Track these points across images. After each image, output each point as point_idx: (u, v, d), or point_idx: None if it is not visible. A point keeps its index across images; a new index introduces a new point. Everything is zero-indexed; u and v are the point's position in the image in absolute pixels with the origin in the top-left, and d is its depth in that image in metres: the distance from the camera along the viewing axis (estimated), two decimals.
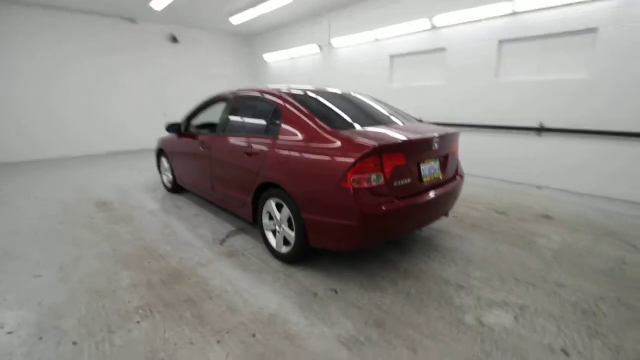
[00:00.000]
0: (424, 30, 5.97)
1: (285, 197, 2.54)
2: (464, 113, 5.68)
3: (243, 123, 3.29)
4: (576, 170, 4.65)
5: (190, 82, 9.52)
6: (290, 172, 2.47)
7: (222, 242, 3.17)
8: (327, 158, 2.27)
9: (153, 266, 2.70)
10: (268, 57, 9.76)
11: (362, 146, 2.15)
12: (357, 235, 2.19)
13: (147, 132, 8.54)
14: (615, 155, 4.28)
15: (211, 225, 3.58)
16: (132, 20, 8.39)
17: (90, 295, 2.30)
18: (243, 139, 3.04)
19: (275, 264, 2.73)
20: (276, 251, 2.77)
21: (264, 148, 2.74)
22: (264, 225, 2.88)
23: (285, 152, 2.53)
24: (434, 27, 5.82)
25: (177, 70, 9.30)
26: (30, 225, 3.56)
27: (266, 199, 2.78)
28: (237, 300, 2.23)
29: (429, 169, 2.56)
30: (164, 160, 4.81)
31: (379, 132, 2.43)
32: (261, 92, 3.09)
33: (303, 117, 2.58)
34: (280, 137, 2.65)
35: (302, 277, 2.53)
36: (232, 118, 3.40)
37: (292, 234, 2.56)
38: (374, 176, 2.17)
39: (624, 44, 4.07)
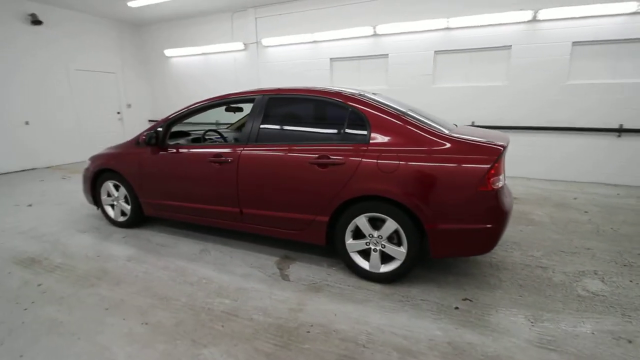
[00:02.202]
0: (366, 37, 6.29)
1: (392, 211, 2.28)
2: None
3: (297, 130, 2.75)
4: None
5: (57, 78, 7.13)
6: (405, 181, 2.22)
7: (283, 276, 2.57)
8: (452, 164, 2.16)
9: (237, 329, 1.96)
10: (171, 52, 8.29)
11: (494, 148, 2.15)
12: (495, 237, 2.18)
13: None
14: (522, 144, 5.61)
15: (241, 259, 2.85)
16: None
17: None
18: (306, 148, 2.53)
19: (377, 287, 2.42)
20: (371, 273, 2.46)
21: (352, 158, 2.36)
22: (347, 246, 2.50)
23: (391, 161, 2.26)
24: (376, 34, 6.21)
25: (36, 63, 6.80)
26: None
27: (353, 216, 2.41)
28: (395, 340, 1.88)
29: None
30: (110, 186, 3.49)
31: (475, 133, 2.46)
32: (322, 93, 2.63)
33: (398, 121, 2.36)
34: (373, 143, 2.35)
35: (419, 293, 2.33)
36: (274, 124, 2.79)
37: (402, 249, 2.32)
38: (501, 177, 2.20)
39: (530, 58, 5.36)
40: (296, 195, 2.58)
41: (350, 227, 2.46)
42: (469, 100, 5.84)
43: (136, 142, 3.33)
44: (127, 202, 3.48)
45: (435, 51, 5.91)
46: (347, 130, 2.48)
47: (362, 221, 2.41)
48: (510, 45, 5.44)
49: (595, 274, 2.60)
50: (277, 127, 2.80)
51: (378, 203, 2.34)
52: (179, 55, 8.34)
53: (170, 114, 3.19)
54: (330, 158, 2.42)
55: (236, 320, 2.05)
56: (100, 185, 3.56)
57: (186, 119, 3.19)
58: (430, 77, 5.99)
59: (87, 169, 3.64)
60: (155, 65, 8.78)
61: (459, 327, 1.99)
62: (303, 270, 2.67)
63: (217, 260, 2.84)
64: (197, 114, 3.17)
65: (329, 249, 2.88)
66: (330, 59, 6.73)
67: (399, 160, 2.25)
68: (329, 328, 1.98)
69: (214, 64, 8.01)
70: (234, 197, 2.81)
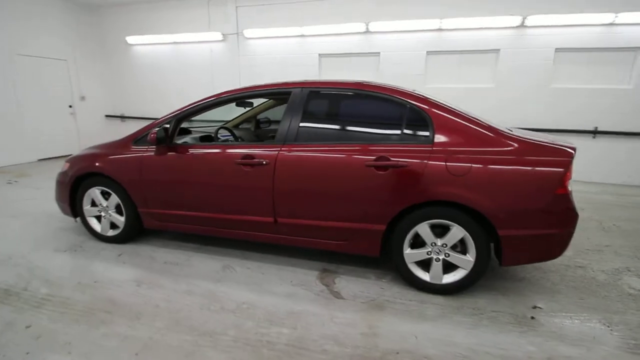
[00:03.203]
0: (358, 33, 6.11)
1: (460, 217, 2.11)
2: None
3: (346, 129, 2.45)
4: None
5: None
6: (478, 185, 2.06)
7: (334, 294, 2.27)
8: (528, 166, 2.04)
9: None
10: (134, 39, 7.37)
11: (566, 150, 2.07)
12: (567, 241, 2.11)
13: None
14: None
15: (276, 275, 2.49)
16: None
17: None
18: (360, 148, 2.25)
19: (440, 299, 2.23)
20: (432, 285, 2.26)
21: (416, 160, 2.14)
22: (405, 256, 2.27)
23: (462, 164, 2.08)
24: (368, 32, 6.06)
25: None
26: None
27: (414, 223, 2.20)
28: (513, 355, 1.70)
29: None
30: (96, 194, 2.88)
31: (529, 134, 2.37)
32: (376, 88, 2.37)
33: (462, 120, 2.19)
34: (438, 144, 2.15)
35: (488, 304, 2.19)
36: (317, 122, 2.47)
37: (469, 257, 2.16)
38: (571, 180, 2.13)
39: (516, 62, 5.59)
40: (347, 202, 2.30)
41: (410, 235, 2.24)
42: (459, 101, 5.92)
43: (134, 140, 2.78)
44: (119, 212, 2.90)
45: (427, 51, 5.92)
46: (407, 130, 2.25)
47: (424, 229, 2.20)
48: (499, 49, 5.62)
49: (629, 270, 2.68)
50: (321, 125, 2.48)
51: (443, 208, 2.15)
52: (143, 43, 7.45)
53: (179, 107, 2.71)
54: (391, 160, 2.17)
55: (308, 355, 1.72)
56: (83, 193, 2.92)
57: (199, 114, 2.73)
58: (422, 77, 5.99)
59: (63, 173, 2.98)
60: (114, 53, 7.75)
61: (548, 339, 1.87)
62: (352, 284, 2.39)
63: (248, 279, 2.44)
64: (212, 109, 2.72)
65: (371, 259, 2.64)
66: (319, 54, 6.45)
67: (471, 163, 2.08)
68: (418, 354, 1.74)
69: (186, 55, 7.28)
70: (268, 204, 2.44)
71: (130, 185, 2.75)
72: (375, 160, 2.20)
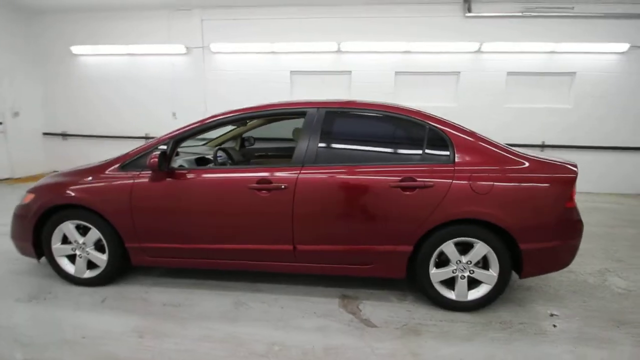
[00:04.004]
0: (330, 52, 6.21)
1: (484, 233, 2.16)
2: None
3: (366, 150, 2.40)
4: None
5: None
6: (500, 202, 2.13)
7: (365, 322, 2.16)
8: (543, 183, 2.18)
9: None
10: (81, 49, 6.64)
11: (570, 168, 2.24)
12: (575, 251, 2.26)
13: None
14: None
15: (296, 308, 2.31)
16: None
17: None
18: (384, 170, 2.21)
19: (467, 317, 2.23)
20: (458, 302, 2.27)
21: (440, 179, 2.16)
22: (431, 276, 2.26)
23: (485, 182, 2.14)
24: (340, 51, 6.19)
25: None
26: None
27: (439, 242, 2.21)
28: None
29: None
30: (70, 229, 2.44)
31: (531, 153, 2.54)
32: (395, 109, 2.38)
33: (479, 141, 2.29)
34: (460, 163, 2.20)
35: (511, 317, 2.24)
36: (335, 143, 2.40)
37: (492, 273, 2.21)
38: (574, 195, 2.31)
39: (474, 84, 6.10)
40: (372, 224, 2.23)
41: (435, 255, 2.24)
42: None
43: (121, 165, 2.43)
44: (99, 249, 2.48)
45: (396, 72, 6.21)
46: (428, 150, 2.28)
47: (449, 248, 2.22)
48: (460, 72, 6.11)
49: (609, 271, 2.97)
50: (340, 146, 2.41)
51: (468, 226, 2.19)
52: (92, 53, 6.74)
53: (177, 128, 2.43)
54: (417, 180, 2.17)
55: None
56: (52, 229, 2.46)
57: (199, 135, 2.49)
58: (392, 96, 6.22)
59: (24, 207, 2.49)
60: (56, 64, 6.87)
61: (577, 345, 1.97)
62: (378, 309, 2.30)
63: (267, 315, 2.22)
64: (214, 130, 2.50)
65: (386, 281, 2.58)
66: (291, 71, 6.41)
67: (492, 181, 2.16)
68: None
69: (144, 68, 6.73)
70: (287, 231, 2.27)
71: (117, 217, 2.37)
72: (400, 180, 2.18)
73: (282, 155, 3.96)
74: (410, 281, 2.39)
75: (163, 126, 7.07)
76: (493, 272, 2.22)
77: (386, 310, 2.30)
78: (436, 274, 2.27)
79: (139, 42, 6.53)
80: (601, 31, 5.71)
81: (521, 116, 6.09)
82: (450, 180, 2.17)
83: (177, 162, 2.61)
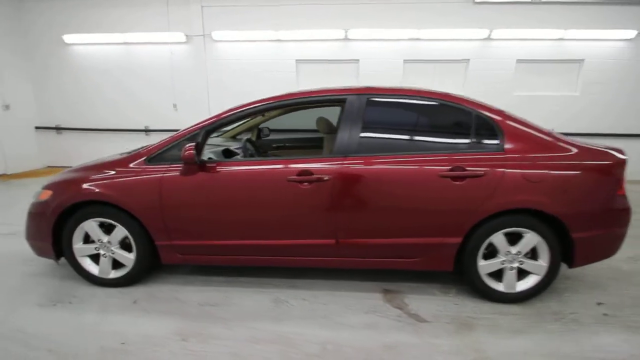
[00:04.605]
0: (337, 40, 6.02)
1: (535, 223, 2.10)
2: None
3: (412, 138, 2.28)
4: None
5: None
6: (553, 191, 2.06)
7: (414, 317, 2.08)
8: (594, 170, 2.11)
9: None
10: (74, 38, 6.28)
11: (619, 155, 2.18)
12: (623, 238, 2.22)
13: None
14: None
15: (341, 304, 2.21)
16: None
17: None
18: (431, 159, 2.11)
19: (517, 309, 2.18)
20: (506, 294, 2.21)
21: (492, 168, 2.07)
22: (479, 269, 2.19)
23: (537, 170, 2.07)
24: (347, 39, 6.01)
25: None
26: None
27: (489, 233, 2.13)
28: None
29: None
30: (94, 227, 2.28)
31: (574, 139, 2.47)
32: (440, 96, 2.27)
33: (528, 128, 2.21)
34: (509, 151, 2.11)
35: (562, 307, 2.20)
36: (378, 132, 2.27)
37: (542, 263, 2.16)
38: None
39: (484, 72, 6.03)
40: (420, 216, 2.14)
41: (484, 246, 2.17)
42: None
43: (148, 158, 2.26)
44: (125, 248, 2.33)
45: (404, 59, 6.08)
46: (476, 138, 2.18)
47: (499, 238, 2.15)
48: (469, 59, 6.02)
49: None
50: (383, 134, 2.29)
51: (519, 216, 2.12)
52: (85, 42, 6.37)
53: (206, 118, 2.27)
54: (467, 170, 2.08)
55: None
56: (73, 227, 2.28)
57: (230, 124, 2.34)
58: (401, 85, 6.13)
59: (41, 204, 2.30)
60: (48, 54, 6.49)
61: (631, 334, 1.93)
62: (424, 304, 2.23)
63: (311, 312, 2.12)
64: (247, 119, 2.36)
65: (425, 273, 2.51)
66: (297, 60, 6.21)
67: (544, 169, 2.09)
68: None
69: (140, 58, 6.41)
70: (329, 225, 2.16)
71: (146, 213, 2.22)
72: (450, 170, 2.08)
73: (303, 146, 3.85)
74: (455, 273, 2.32)
75: (163, 118, 6.85)
76: (543, 262, 2.17)
77: (433, 304, 2.23)
78: (485, 266, 2.20)
79: (135, 30, 6.20)
80: (609, 18, 5.68)
81: (530, 104, 6.05)
82: (502, 169, 2.08)
83: (205, 155, 2.46)
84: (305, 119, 3.99)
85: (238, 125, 3.62)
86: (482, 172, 2.08)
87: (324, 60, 6.21)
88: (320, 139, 3.65)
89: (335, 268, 2.39)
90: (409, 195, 2.12)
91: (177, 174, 2.19)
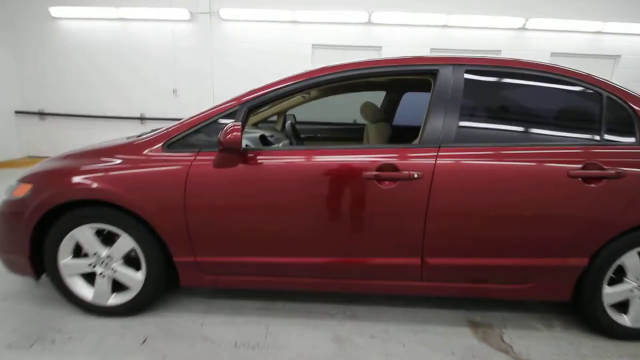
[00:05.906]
0: (359, 23, 5.47)
1: None
2: None
3: (526, 125, 1.73)
4: None
5: None
6: None
7: None
8: None
9: None
10: (62, 11, 5.53)
11: None
12: None
13: None
14: None
15: (423, 344, 1.66)
16: None
17: None
18: (555, 152, 1.58)
19: None
20: (631, 329, 1.71)
21: (632, 168, 1.56)
22: (604, 297, 1.67)
23: None
24: (370, 22, 5.46)
25: None
26: None
27: (622, 251, 1.62)
28: None
29: None
30: (88, 236, 1.67)
31: None
32: (561, 71, 1.72)
33: None
34: None
35: None
36: (482, 116, 1.73)
37: None
38: None
39: None
40: (538, 229, 1.60)
41: (612, 269, 1.66)
42: None
43: (166, 143, 1.66)
44: (131, 264, 1.72)
45: (431, 48, 5.58)
46: (607, 128, 1.66)
47: (632, 260, 1.64)
48: (501, 50, 5.56)
49: None
50: (488, 120, 1.74)
51: None
52: (75, 17, 5.63)
53: (247, 92, 1.68)
54: (605, 169, 1.56)
55: None
56: (61, 235, 1.66)
57: (277, 100, 1.78)
58: None
59: (16, 203, 1.68)
60: (30, 29, 5.70)
61: None
62: (530, 343, 1.70)
63: (388, 357, 1.57)
64: (300, 93, 1.81)
65: (510, 302, 1.99)
66: (313, 45, 5.64)
67: None
68: None
69: (137, 36, 5.72)
70: (415, 238, 1.61)
71: (164, 218, 1.62)
72: (582, 168, 1.56)
73: (337, 138, 3.29)
74: (565, 304, 1.80)
75: (161, 105, 6.15)
76: None
77: (541, 344, 1.70)
78: (610, 295, 1.68)
79: (132, 5, 5.50)
80: None
81: None
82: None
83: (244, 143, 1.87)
84: (324, 110, 3.49)
85: (262, 111, 3.04)
86: (624, 172, 1.56)
87: (342, 46, 5.65)
88: (359, 130, 3.11)
89: (414, 295, 1.84)
90: (526, 201, 1.58)
91: (210, 164, 1.60)
